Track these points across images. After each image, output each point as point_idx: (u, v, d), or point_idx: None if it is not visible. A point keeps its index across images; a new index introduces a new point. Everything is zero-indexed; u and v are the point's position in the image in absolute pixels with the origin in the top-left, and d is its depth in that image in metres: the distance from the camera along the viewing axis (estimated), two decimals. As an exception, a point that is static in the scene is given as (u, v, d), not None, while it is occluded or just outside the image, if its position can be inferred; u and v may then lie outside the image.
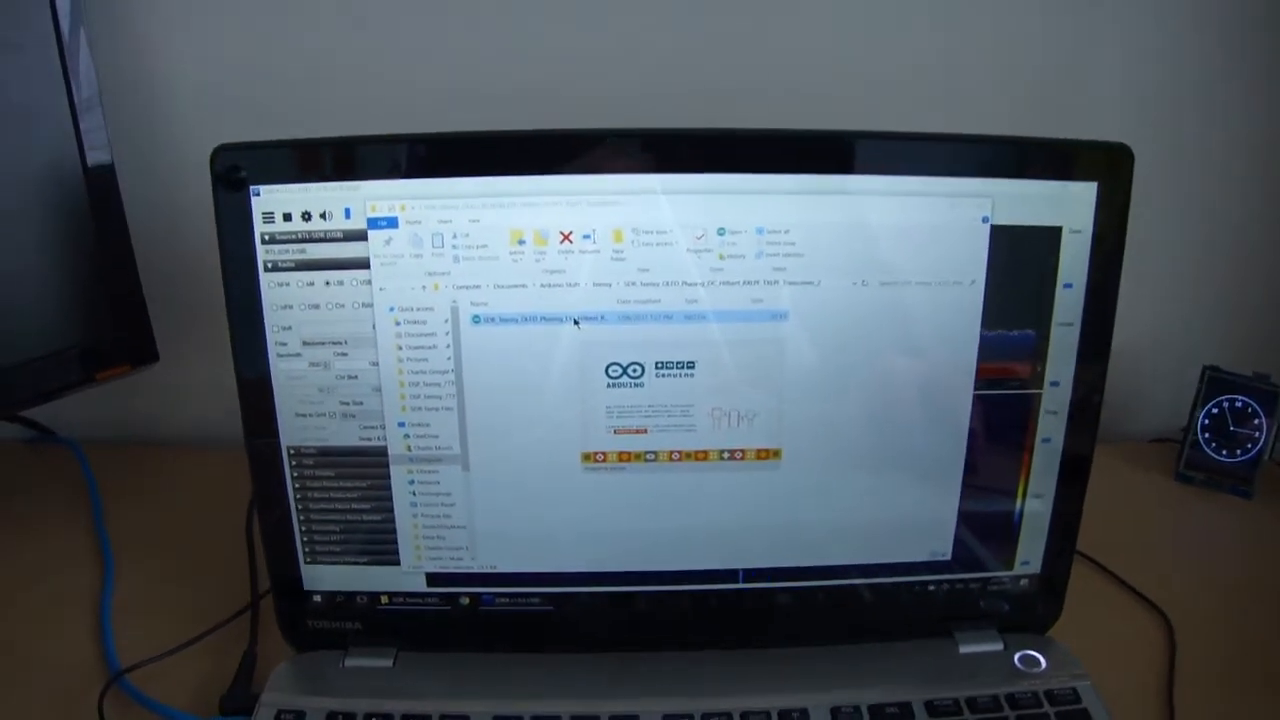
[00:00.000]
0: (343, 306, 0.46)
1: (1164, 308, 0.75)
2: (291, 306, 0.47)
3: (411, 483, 0.49)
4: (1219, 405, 0.70)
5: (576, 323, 0.46)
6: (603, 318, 0.46)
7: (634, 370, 0.47)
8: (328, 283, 0.46)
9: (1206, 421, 0.70)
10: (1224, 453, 0.70)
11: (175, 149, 0.70)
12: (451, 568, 0.50)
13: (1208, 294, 0.77)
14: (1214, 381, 0.70)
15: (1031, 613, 0.53)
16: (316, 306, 0.46)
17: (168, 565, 0.62)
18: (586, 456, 0.49)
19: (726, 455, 0.49)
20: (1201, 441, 0.70)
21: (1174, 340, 0.77)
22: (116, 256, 0.63)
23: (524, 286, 0.46)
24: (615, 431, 0.48)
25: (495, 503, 0.49)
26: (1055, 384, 0.49)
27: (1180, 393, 0.74)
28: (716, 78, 0.68)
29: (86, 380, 0.63)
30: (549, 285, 0.46)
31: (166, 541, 0.64)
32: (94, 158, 0.61)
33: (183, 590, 0.59)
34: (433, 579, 0.51)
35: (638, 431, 0.48)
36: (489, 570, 0.50)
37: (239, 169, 0.45)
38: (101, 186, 0.62)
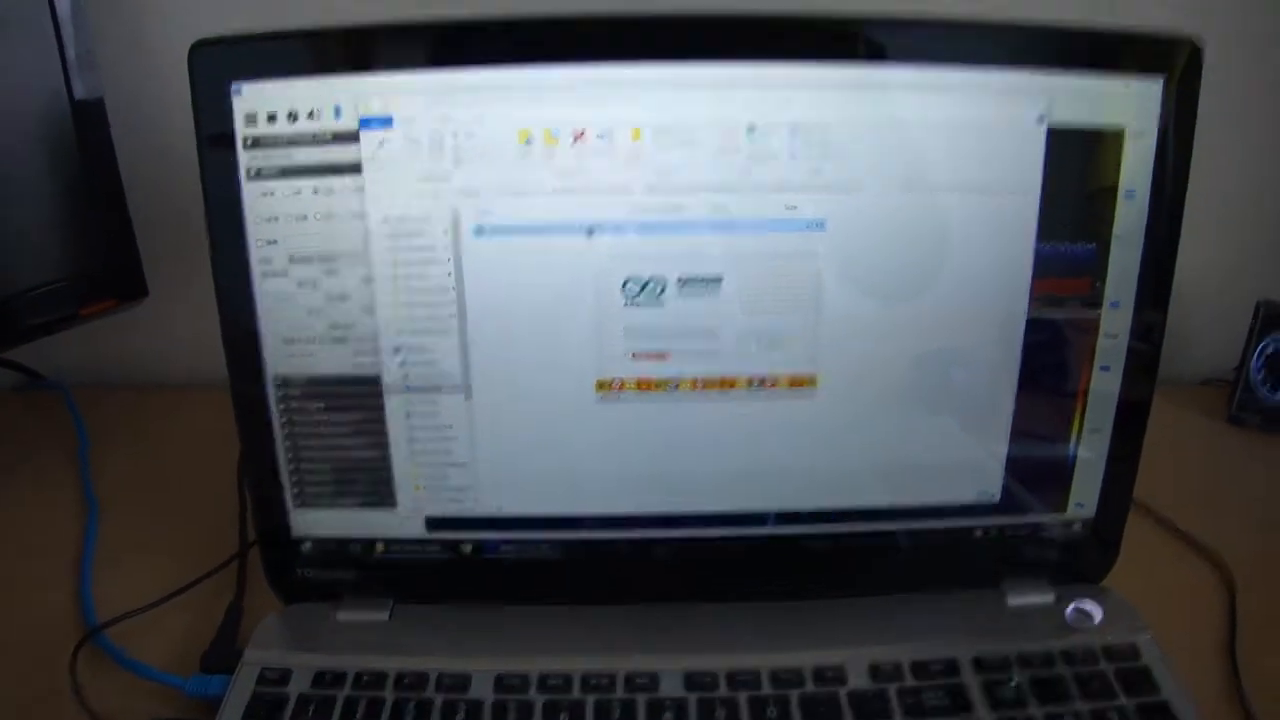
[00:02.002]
0: (332, 218, 0.42)
1: (1215, 237, 0.70)
2: (277, 218, 0.42)
3: (408, 415, 0.44)
4: (1274, 343, 0.65)
5: (590, 233, 0.42)
6: (619, 227, 0.42)
7: (654, 287, 0.43)
8: (316, 191, 0.42)
9: (1260, 360, 0.66)
10: (1279, 393, 0.66)
11: (164, 78, 0.66)
12: (453, 511, 0.46)
13: (1263, 221, 0.73)
14: (1269, 318, 0.66)
15: (1085, 561, 0.48)
16: (303, 218, 0.42)
17: (155, 515, 0.58)
18: (601, 385, 0.44)
19: (756, 383, 0.44)
20: (1255, 382, 0.66)
21: (1225, 273, 0.73)
22: (104, 189, 0.61)
23: (531, 192, 0.41)
24: (633, 356, 0.44)
25: (500, 437, 0.45)
26: (1115, 305, 0.44)
27: (1230, 331, 0.69)
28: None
29: (73, 316, 0.60)
30: (560, 190, 0.41)
31: (155, 490, 0.61)
32: (80, 84, 0.58)
33: (170, 541, 0.55)
34: (432, 523, 0.46)
35: (658, 356, 0.44)
36: (493, 513, 0.46)
37: (219, 65, 0.41)
38: (89, 118, 0.59)
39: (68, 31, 0.57)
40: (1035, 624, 0.46)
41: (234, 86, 0.41)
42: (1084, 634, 0.45)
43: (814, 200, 0.42)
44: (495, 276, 0.43)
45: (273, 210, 0.42)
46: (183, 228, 0.64)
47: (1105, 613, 0.47)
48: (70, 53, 0.58)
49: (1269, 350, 0.66)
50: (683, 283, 0.43)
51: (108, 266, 0.61)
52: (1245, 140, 0.70)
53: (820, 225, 0.42)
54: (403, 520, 0.46)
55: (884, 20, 0.41)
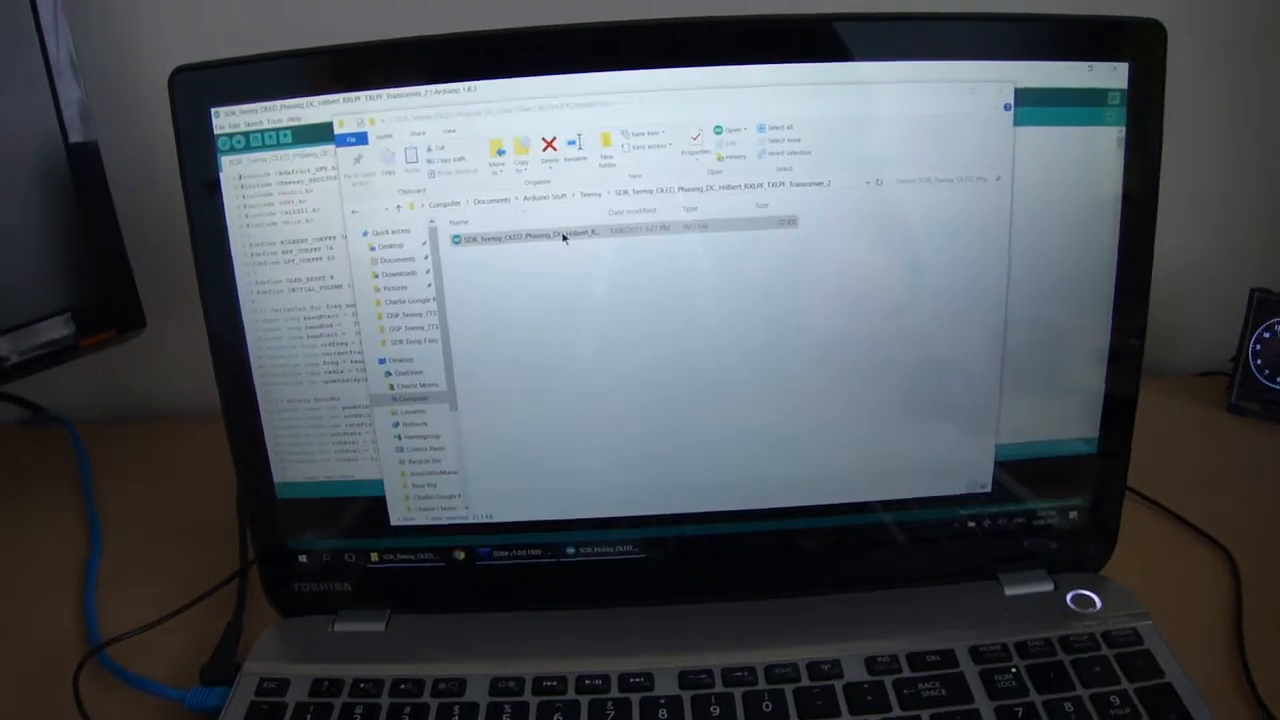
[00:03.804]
0: (313, 234, 0.43)
1: (1202, 224, 0.70)
2: (259, 239, 0.43)
3: (396, 425, 0.45)
4: (1270, 330, 0.65)
5: (565, 238, 0.42)
6: (593, 231, 0.42)
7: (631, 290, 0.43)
8: (296, 209, 0.43)
9: (1258, 348, 0.65)
10: (1278, 380, 0.65)
11: (153, 109, 0.67)
12: (444, 519, 0.47)
13: (1255, 209, 0.72)
14: (1264, 304, 0.65)
15: (1083, 550, 0.48)
16: (285, 237, 0.43)
17: (158, 539, 0.59)
18: (586, 389, 0.44)
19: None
20: (1254, 369, 0.65)
21: (1215, 262, 0.72)
22: (100, 223, 0.62)
23: (506, 201, 0.42)
24: (615, 358, 0.44)
25: (487, 444, 0.45)
26: (1095, 290, 0.44)
27: (1225, 321, 0.69)
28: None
29: (73, 348, 0.61)
30: (533, 198, 0.42)
31: (157, 516, 0.62)
32: (73, 122, 0.60)
33: (172, 563, 0.56)
34: (424, 532, 0.47)
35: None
36: (484, 520, 0.46)
37: (198, 91, 0.42)
38: (83, 156, 0.61)
39: (61, 76, 0.59)
40: (1034, 613, 0.46)
41: (213, 111, 0.42)
42: (1083, 621, 0.45)
43: (784, 196, 0.42)
44: (475, 285, 0.43)
45: (257, 231, 0.43)
46: (177, 258, 0.65)
47: (1105, 600, 0.46)
48: (64, 96, 0.59)
49: (1265, 337, 0.65)
50: (661, 286, 0.43)
51: (106, 298, 0.62)
52: (1234, 128, 0.70)
53: (792, 222, 0.43)
54: (395, 531, 0.47)
55: (846, 17, 0.41)
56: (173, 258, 0.65)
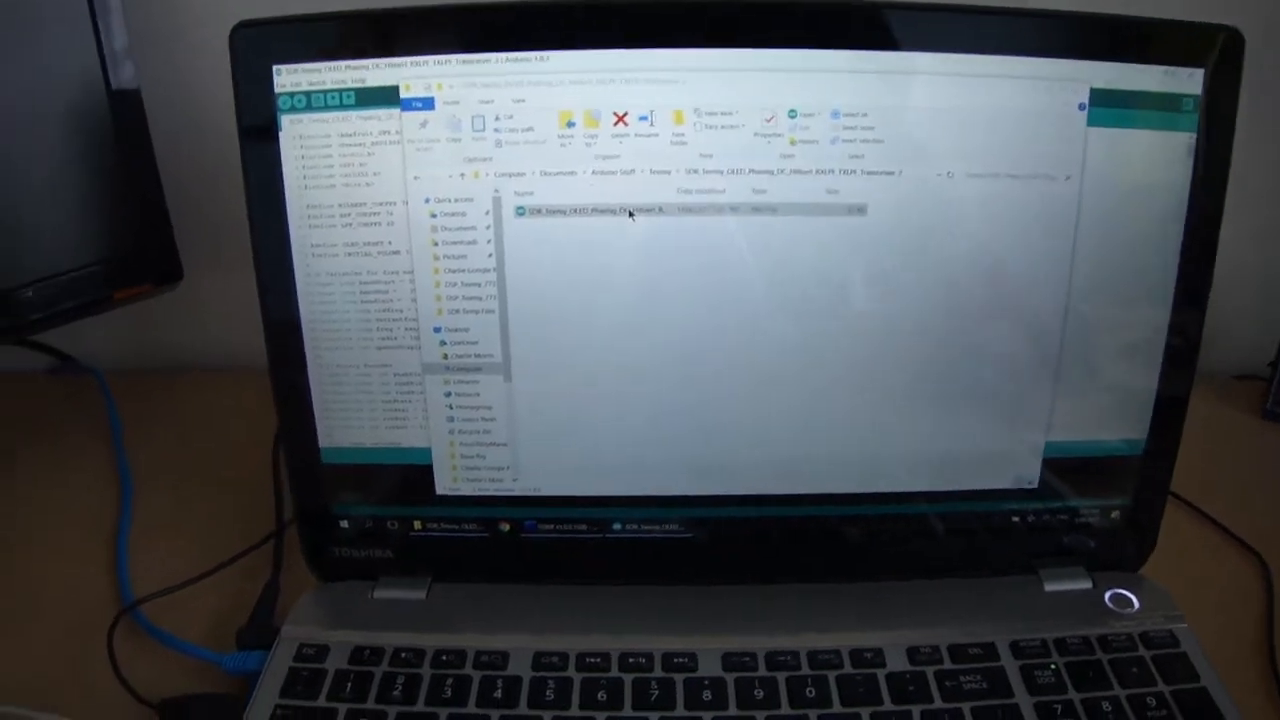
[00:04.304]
0: (374, 199, 0.42)
1: (1251, 232, 0.69)
2: (318, 201, 0.43)
3: (448, 394, 0.45)
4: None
5: (631, 214, 0.42)
6: (660, 209, 0.42)
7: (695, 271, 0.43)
8: (357, 173, 0.42)
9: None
10: (1315, 389, 0.65)
11: (200, 62, 0.66)
12: (491, 490, 0.46)
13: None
14: (1306, 313, 0.65)
15: (1122, 549, 0.48)
16: (345, 200, 0.42)
17: (191, 494, 0.59)
18: (639, 366, 0.44)
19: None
20: (1290, 378, 0.65)
21: (1262, 268, 0.72)
22: (140, 174, 0.60)
23: (573, 174, 0.42)
24: (671, 339, 0.44)
25: (539, 417, 0.45)
26: (1155, 296, 0.44)
27: (1266, 325, 0.69)
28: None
29: (106, 299, 0.60)
30: (601, 172, 0.41)
31: (190, 470, 0.61)
32: (117, 71, 0.58)
33: (205, 520, 0.56)
34: (470, 503, 0.47)
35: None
36: (532, 494, 0.46)
37: (260, 48, 0.41)
38: (125, 105, 0.59)
39: (105, 20, 0.58)
40: (1072, 610, 0.46)
41: (275, 69, 0.41)
42: (1121, 621, 0.45)
43: (854, 184, 0.42)
44: (536, 257, 0.43)
45: (314, 193, 0.42)
46: (217, 211, 0.64)
47: (1142, 601, 0.46)
48: (107, 41, 0.58)
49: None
50: (724, 267, 0.43)
51: (143, 250, 0.61)
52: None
53: (861, 210, 0.42)
54: (441, 499, 0.46)
55: (925, 7, 0.41)
56: (213, 209, 0.65)
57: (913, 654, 0.43)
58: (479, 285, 0.43)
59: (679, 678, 0.42)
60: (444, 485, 0.46)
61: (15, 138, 0.55)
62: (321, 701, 0.41)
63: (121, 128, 0.59)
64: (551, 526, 0.47)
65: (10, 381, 0.72)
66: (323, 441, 0.46)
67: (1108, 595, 0.47)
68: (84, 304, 0.60)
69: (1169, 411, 0.46)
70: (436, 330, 0.44)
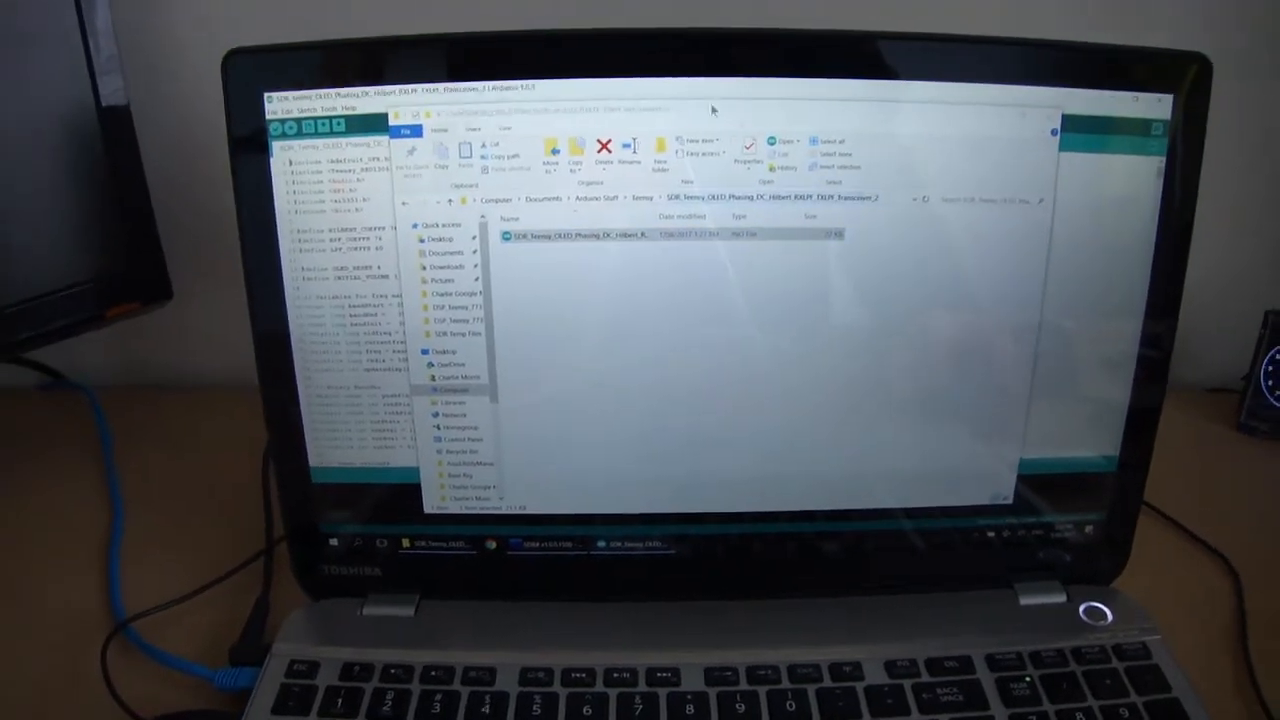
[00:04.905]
0: (363, 224, 0.43)
1: (1223, 247, 0.71)
2: (308, 226, 0.43)
3: (436, 415, 0.46)
4: (1283, 352, 0.66)
5: (614, 239, 0.43)
6: (643, 234, 0.43)
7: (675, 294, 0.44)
8: (346, 198, 0.43)
9: (1270, 369, 0.67)
10: (1289, 402, 0.66)
11: (191, 83, 0.67)
12: (478, 509, 0.47)
13: (1272, 230, 0.73)
14: (1278, 327, 0.66)
15: (1096, 562, 0.49)
16: (334, 225, 0.43)
17: (181, 512, 0.59)
18: (624, 387, 0.45)
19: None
20: (1265, 390, 0.67)
21: (1234, 283, 0.73)
22: (130, 193, 0.61)
23: (558, 199, 0.43)
24: (654, 360, 0.45)
25: (525, 437, 0.46)
26: (1126, 314, 0.45)
27: (1240, 340, 0.70)
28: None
29: (97, 318, 0.60)
30: (585, 199, 0.42)
31: (180, 488, 0.62)
32: (108, 92, 0.59)
33: (195, 538, 0.56)
34: (458, 521, 0.47)
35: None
36: (518, 511, 0.47)
37: (252, 75, 0.42)
38: (116, 123, 0.60)
39: (94, 37, 0.58)
40: (1047, 623, 0.47)
41: (266, 96, 0.42)
42: (1095, 633, 0.46)
43: (832, 209, 0.43)
44: (522, 281, 0.44)
45: (304, 217, 0.43)
46: (206, 231, 0.65)
47: (1115, 613, 0.47)
48: (98, 60, 0.58)
49: (1278, 358, 0.66)
50: (706, 289, 0.44)
51: (133, 269, 0.62)
52: (1254, 149, 0.71)
53: (838, 234, 0.43)
54: (428, 518, 0.47)
55: (901, 37, 0.42)
56: (201, 229, 0.66)
57: (891, 667, 0.44)
58: (466, 308, 0.44)
59: (662, 692, 0.43)
60: (432, 504, 0.47)
61: (5, 155, 0.56)
62: (313, 717, 0.42)
63: (111, 145, 0.60)
64: (537, 544, 0.48)
65: (1, 399, 0.73)
66: (313, 461, 0.46)
67: (1082, 608, 0.48)
68: (75, 322, 0.60)
69: (1141, 428, 0.47)
70: (424, 352, 0.45)
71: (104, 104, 0.59)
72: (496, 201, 0.43)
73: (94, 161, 0.59)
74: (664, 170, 0.42)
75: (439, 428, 0.46)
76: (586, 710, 0.42)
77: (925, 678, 0.44)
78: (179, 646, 0.48)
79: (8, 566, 0.55)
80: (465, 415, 0.45)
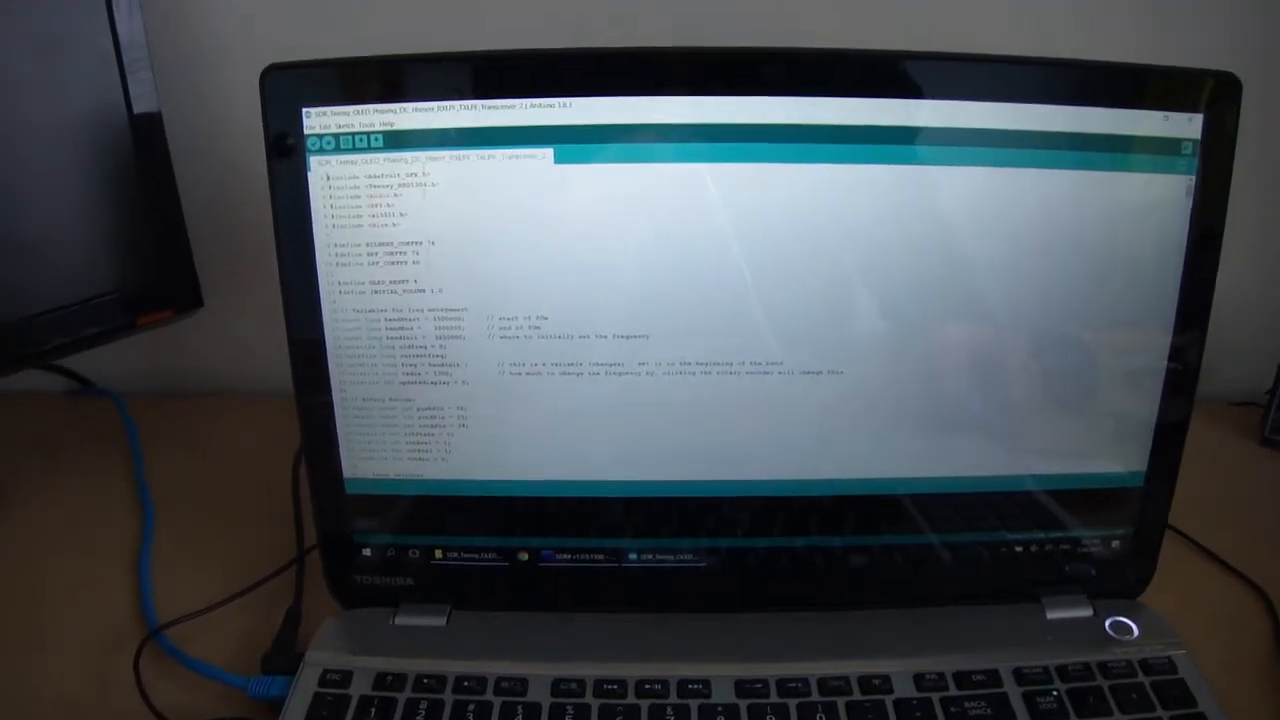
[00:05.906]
0: (402, 239, 0.44)
1: (1247, 260, 0.71)
2: (345, 242, 0.44)
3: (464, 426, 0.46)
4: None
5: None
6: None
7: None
8: (385, 212, 0.43)
9: (1294, 384, 0.67)
10: (1312, 416, 0.66)
11: (223, 93, 0.67)
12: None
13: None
14: (1302, 341, 0.66)
15: (1123, 576, 0.50)
16: (372, 241, 0.44)
17: (211, 519, 0.59)
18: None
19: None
20: (1288, 405, 0.67)
21: (1258, 297, 0.73)
22: (162, 202, 0.61)
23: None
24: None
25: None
26: (1153, 329, 0.46)
27: (1264, 354, 0.70)
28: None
29: (128, 326, 0.61)
30: (621, 215, 0.43)
31: (210, 495, 0.62)
32: (139, 99, 0.59)
33: (226, 545, 0.57)
34: (490, 533, 0.48)
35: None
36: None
37: (290, 90, 0.42)
38: (147, 131, 0.60)
39: (127, 48, 0.58)
40: (1074, 637, 0.47)
41: (305, 111, 0.43)
42: (1121, 647, 0.47)
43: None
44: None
45: (341, 231, 0.44)
46: (238, 240, 0.66)
47: (1142, 628, 0.48)
48: (129, 68, 0.59)
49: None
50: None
51: (164, 277, 0.62)
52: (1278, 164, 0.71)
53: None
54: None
55: (929, 57, 0.43)
56: (232, 237, 0.66)
57: (919, 681, 0.45)
58: (504, 325, 0.44)
59: (694, 704, 0.43)
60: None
61: (38, 163, 0.56)
62: (347, 727, 0.43)
63: (143, 152, 0.60)
64: (569, 556, 0.48)
65: (29, 405, 0.73)
66: (347, 472, 0.47)
67: (1108, 622, 0.48)
68: (106, 330, 0.61)
69: (1168, 443, 0.47)
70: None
71: (135, 111, 0.59)
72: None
73: (125, 168, 0.60)
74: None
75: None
76: (618, 721, 0.43)
77: (953, 691, 0.44)
78: (210, 654, 0.48)
79: (39, 573, 0.55)
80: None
